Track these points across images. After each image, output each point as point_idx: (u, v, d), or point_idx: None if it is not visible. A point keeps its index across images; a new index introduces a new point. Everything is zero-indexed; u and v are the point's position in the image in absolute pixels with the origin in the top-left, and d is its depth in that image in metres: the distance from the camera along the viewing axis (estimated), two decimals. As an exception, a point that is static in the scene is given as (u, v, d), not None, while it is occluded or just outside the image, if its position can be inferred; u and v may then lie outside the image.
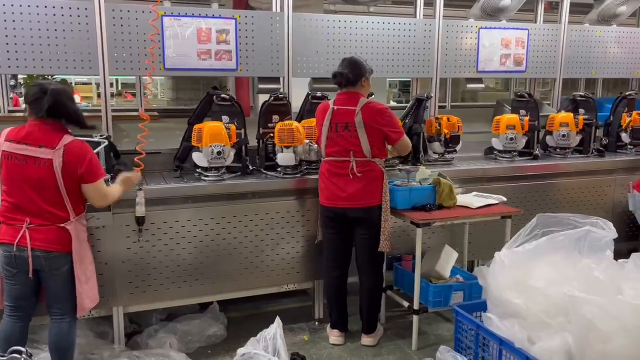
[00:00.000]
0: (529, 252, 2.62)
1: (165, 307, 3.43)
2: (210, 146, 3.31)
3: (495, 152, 4.44)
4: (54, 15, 3.25)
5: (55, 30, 3.27)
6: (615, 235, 2.54)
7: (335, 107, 3.20)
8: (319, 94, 3.84)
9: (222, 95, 3.54)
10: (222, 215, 3.31)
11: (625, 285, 2.17)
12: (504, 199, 3.58)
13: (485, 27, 4.42)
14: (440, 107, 6.91)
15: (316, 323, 3.65)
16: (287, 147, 3.46)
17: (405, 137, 3.33)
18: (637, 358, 1.99)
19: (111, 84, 14.66)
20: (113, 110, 3.58)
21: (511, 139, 4.30)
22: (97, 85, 13.08)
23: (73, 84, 11.96)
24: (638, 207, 3.82)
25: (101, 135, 3.13)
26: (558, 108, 4.84)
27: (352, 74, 3.18)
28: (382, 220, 3.24)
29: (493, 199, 3.55)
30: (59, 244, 2.62)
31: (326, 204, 3.26)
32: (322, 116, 3.24)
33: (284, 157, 3.48)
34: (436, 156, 4.22)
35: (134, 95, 12.12)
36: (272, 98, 3.71)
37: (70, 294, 2.70)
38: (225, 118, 3.51)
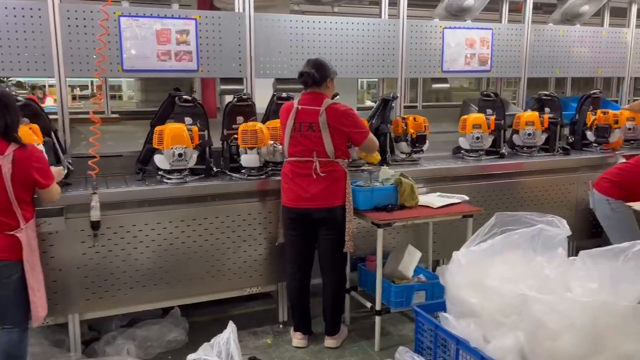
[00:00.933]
0: (485, 251, 2.61)
1: (127, 313, 3.37)
2: (172, 148, 3.27)
3: (462, 151, 4.45)
4: (6, 16, 3.18)
5: (8, 31, 3.19)
6: (569, 233, 2.54)
7: (300, 107, 3.18)
8: (284, 94, 3.79)
9: (185, 97, 3.50)
10: (181, 219, 3.26)
11: (574, 283, 2.18)
12: (466, 198, 3.59)
13: (450, 27, 4.43)
14: (412, 107, 6.97)
15: (280, 326, 3.62)
16: (251, 149, 3.43)
17: (371, 137, 3.33)
18: (585, 354, 1.99)
19: (86, 86, 14.42)
20: (77, 113, 3.50)
21: (477, 138, 4.31)
22: (72, 87, 12.90)
23: (46, 87, 11.77)
24: (597, 205, 3.84)
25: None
26: (524, 107, 4.88)
27: (318, 74, 3.17)
28: (347, 221, 3.23)
29: (456, 198, 3.55)
30: (8, 252, 2.55)
31: (289, 204, 3.23)
32: (287, 115, 3.22)
33: (248, 159, 3.44)
34: (403, 156, 4.21)
35: (110, 97, 11.92)
36: (236, 99, 3.67)
37: (21, 302, 2.63)
38: (188, 119, 3.47)
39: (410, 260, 3.49)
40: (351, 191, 3.28)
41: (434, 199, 3.48)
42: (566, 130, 4.91)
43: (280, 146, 3.39)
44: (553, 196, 4.39)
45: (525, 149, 4.61)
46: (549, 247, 2.48)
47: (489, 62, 4.62)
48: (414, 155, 4.22)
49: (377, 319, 3.28)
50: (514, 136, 4.65)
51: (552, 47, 4.86)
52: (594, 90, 5.00)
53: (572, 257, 2.34)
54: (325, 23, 4.01)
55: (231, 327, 2.42)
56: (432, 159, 4.35)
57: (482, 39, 4.56)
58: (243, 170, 3.51)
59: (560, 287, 2.21)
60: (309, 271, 3.34)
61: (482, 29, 4.55)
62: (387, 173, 3.52)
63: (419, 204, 3.42)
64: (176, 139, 3.27)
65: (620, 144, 4.77)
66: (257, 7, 3.80)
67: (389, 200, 3.38)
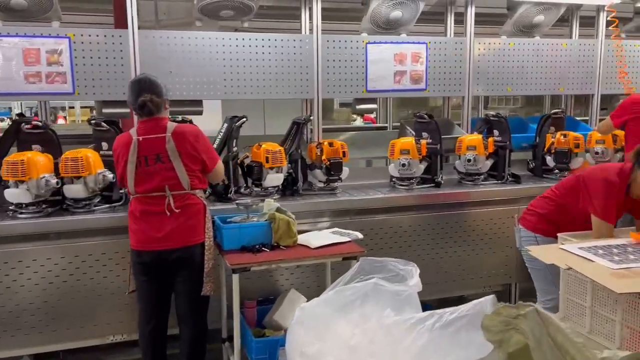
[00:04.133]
0: (318, 308, 2.15)
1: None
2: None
3: (393, 179, 3.97)
4: None
5: None
6: (418, 289, 2.05)
7: (140, 138, 2.75)
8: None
9: (34, 123, 3.18)
10: (19, 259, 2.91)
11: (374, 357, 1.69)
12: (360, 236, 3.08)
13: (374, 42, 3.98)
14: (382, 128, 6.44)
15: (150, 378, 3.19)
16: (77, 178, 3.07)
17: (221, 164, 2.96)
18: None
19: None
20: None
21: (403, 165, 3.81)
22: (91, 108, 13.09)
23: (66, 109, 11.92)
24: (524, 244, 3.20)
25: None
26: (469, 130, 4.34)
27: (158, 97, 2.78)
28: (205, 260, 2.81)
29: (347, 236, 3.06)
30: None
31: (139, 247, 2.79)
32: (126, 151, 2.76)
33: (72, 189, 3.09)
34: (321, 185, 3.77)
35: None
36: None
37: None
38: (36, 147, 3.15)
39: (290, 309, 3.00)
40: (211, 226, 2.86)
41: (314, 238, 2.99)
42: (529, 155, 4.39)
43: (111, 174, 3.05)
44: (487, 231, 3.81)
45: (470, 176, 4.08)
46: (382, 307, 1.99)
47: (424, 79, 4.13)
48: (332, 184, 3.77)
49: (236, 378, 2.82)
50: (457, 162, 4.13)
51: (502, 62, 4.33)
52: (555, 110, 4.44)
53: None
54: (225, 40, 3.66)
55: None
56: (364, 187, 3.89)
57: (414, 54, 4.08)
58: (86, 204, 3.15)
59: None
60: (164, 320, 2.89)
61: (413, 43, 4.08)
62: (270, 205, 3.08)
63: (298, 242, 2.96)
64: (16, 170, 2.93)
65: (586, 170, 4.15)
66: (177, 25, 3.49)
67: (262, 239, 2.92)
